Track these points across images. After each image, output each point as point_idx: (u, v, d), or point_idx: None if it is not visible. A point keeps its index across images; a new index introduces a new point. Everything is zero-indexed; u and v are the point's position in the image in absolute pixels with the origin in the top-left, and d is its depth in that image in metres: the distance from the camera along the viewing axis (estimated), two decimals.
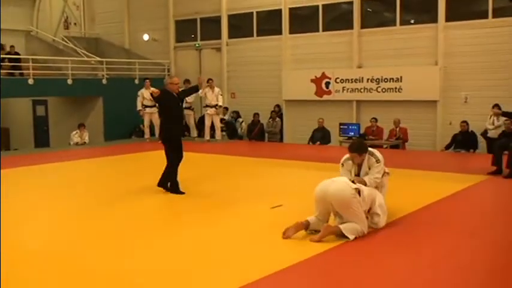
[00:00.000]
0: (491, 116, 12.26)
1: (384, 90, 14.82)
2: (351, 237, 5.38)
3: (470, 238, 5.66)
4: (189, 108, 15.83)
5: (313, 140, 14.97)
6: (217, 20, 18.05)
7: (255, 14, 17.30)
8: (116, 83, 17.78)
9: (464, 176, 9.19)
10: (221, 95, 15.48)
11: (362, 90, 15.17)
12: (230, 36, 18.00)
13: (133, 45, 20.37)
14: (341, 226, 5.43)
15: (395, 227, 5.96)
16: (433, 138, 14.26)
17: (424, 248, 5.26)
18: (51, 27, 19.74)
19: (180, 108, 8.36)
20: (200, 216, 6.68)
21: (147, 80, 15.42)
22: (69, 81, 16.73)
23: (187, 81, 15.36)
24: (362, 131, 14.33)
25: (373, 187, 5.94)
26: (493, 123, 12.29)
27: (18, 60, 17.34)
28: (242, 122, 17.13)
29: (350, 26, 15.40)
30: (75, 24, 21.60)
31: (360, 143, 6.25)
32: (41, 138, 19.12)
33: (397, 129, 13.97)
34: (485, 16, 13.45)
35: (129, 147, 14.06)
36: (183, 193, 7.87)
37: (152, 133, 15.53)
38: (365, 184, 5.83)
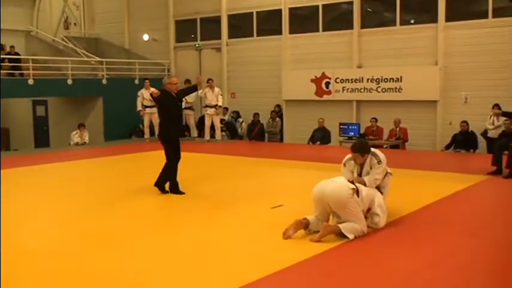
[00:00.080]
0: (491, 116, 12.26)
1: (383, 90, 14.81)
2: (351, 236, 5.38)
3: (470, 238, 5.66)
4: (189, 108, 15.85)
5: (313, 140, 14.97)
6: (217, 20, 18.05)
7: (255, 14, 17.30)
8: (116, 83, 17.77)
9: (464, 176, 9.19)
10: (221, 95, 15.48)
11: (362, 90, 15.17)
12: (230, 36, 18.00)
13: (133, 46, 20.36)
14: (340, 225, 5.43)
15: (395, 227, 5.96)
16: (433, 138, 14.26)
17: (424, 248, 5.26)
18: (51, 27, 19.74)
19: (179, 108, 8.36)
20: (200, 216, 6.68)
21: (147, 80, 15.43)
22: (69, 82, 16.73)
23: (188, 81, 15.39)
24: (362, 131, 14.32)
25: (373, 187, 5.94)
26: (493, 123, 12.30)
27: (18, 60, 17.33)
28: (242, 122, 17.13)
29: (350, 26, 15.40)
30: (75, 24, 21.60)
31: (362, 144, 6.23)
32: (41, 138, 19.11)
33: (397, 129, 13.97)
34: (485, 16, 13.45)
35: (129, 147, 14.06)
36: (183, 193, 7.87)
37: (152, 133, 15.52)
38: (364, 184, 5.83)
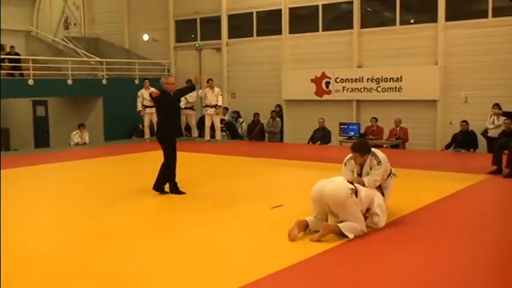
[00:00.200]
0: (491, 116, 12.26)
1: (383, 89, 14.81)
2: (351, 236, 5.38)
3: (471, 238, 5.65)
4: (190, 108, 15.86)
5: (313, 139, 14.97)
6: (217, 20, 18.05)
7: (255, 14, 17.30)
8: (116, 83, 17.77)
9: (465, 176, 9.19)
10: (221, 95, 15.47)
11: (362, 90, 15.17)
12: (230, 36, 18.00)
13: (133, 46, 20.37)
14: (340, 225, 5.43)
15: (395, 227, 5.95)
16: (433, 137, 14.25)
17: (424, 248, 5.26)
18: (51, 27, 19.75)
19: (177, 108, 8.35)
20: (200, 216, 6.68)
21: (147, 80, 15.43)
22: (69, 82, 16.73)
23: (189, 81, 15.35)
24: (362, 130, 14.32)
25: (373, 188, 5.94)
26: (493, 123, 12.28)
27: (18, 60, 17.34)
28: (242, 122, 17.13)
29: (350, 26, 15.40)
30: (75, 24, 21.60)
31: (362, 144, 6.23)
32: (41, 138, 19.12)
33: (398, 128, 13.97)
34: (485, 15, 13.44)
35: (129, 148, 14.07)
36: (183, 193, 7.87)
37: (152, 133, 15.50)
38: (364, 185, 5.83)
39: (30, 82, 15.93)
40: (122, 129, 17.37)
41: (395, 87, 14.62)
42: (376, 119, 14.29)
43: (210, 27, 18.46)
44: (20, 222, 6.53)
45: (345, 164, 6.23)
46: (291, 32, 16.58)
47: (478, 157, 11.79)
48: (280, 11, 16.63)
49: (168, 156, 7.91)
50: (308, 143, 15.08)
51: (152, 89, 7.94)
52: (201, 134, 16.05)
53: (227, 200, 7.54)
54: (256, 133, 16.23)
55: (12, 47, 17.76)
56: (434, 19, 14.07)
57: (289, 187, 8.65)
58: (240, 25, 17.93)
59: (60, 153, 13.60)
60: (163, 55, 19.44)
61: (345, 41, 15.52)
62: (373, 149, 6.12)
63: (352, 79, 15.33)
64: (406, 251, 5.21)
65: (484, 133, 12.78)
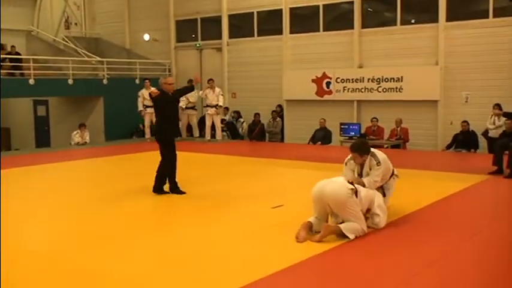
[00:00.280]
0: (492, 116, 12.24)
1: (384, 90, 14.80)
2: (351, 236, 5.37)
3: (471, 238, 5.65)
4: (192, 108, 15.87)
5: (314, 139, 14.96)
6: (217, 20, 18.04)
7: (255, 14, 17.29)
8: (117, 83, 17.78)
9: (465, 176, 9.19)
10: (222, 95, 15.47)
11: (363, 90, 15.16)
12: (231, 36, 17.99)
13: (134, 45, 20.37)
14: (341, 226, 5.43)
15: (395, 227, 5.95)
16: (434, 138, 14.24)
17: (424, 248, 5.25)
18: (52, 27, 19.75)
19: (175, 108, 8.35)
20: (200, 216, 6.68)
21: (147, 80, 15.45)
22: (70, 81, 16.74)
23: (190, 81, 15.33)
24: (363, 130, 14.32)
25: (373, 189, 5.93)
26: (494, 123, 12.27)
27: (19, 60, 17.34)
28: (243, 122, 17.13)
29: (351, 26, 15.39)
30: (75, 24, 21.60)
31: (361, 144, 6.25)
32: (42, 138, 19.13)
33: (398, 129, 13.96)
34: (486, 16, 13.43)
35: (130, 147, 14.07)
36: (183, 193, 7.87)
37: (153, 133, 15.52)
38: (364, 186, 5.83)
39: (31, 82, 15.94)
40: (122, 129, 17.38)
41: (396, 88, 14.61)
42: (376, 119, 14.29)
43: (211, 27, 18.46)
44: (20, 222, 6.53)
45: (346, 163, 6.25)
46: (291, 32, 16.57)
47: (478, 157, 11.78)
48: (281, 11, 16.62)
49: (165, 156, 7.91)
50: (308, 143, 15.07)
51: (153, 89, 7.95)
52: (202, 134, 16.05)
53: (227, 200, 7.54)
54: (257, 133, 16.22)
55: (13, 46, 17.77)
56: (435, 19, 14.06)
57: (290, 187, 8.64)
58: (241, 25, 17.93)
59: (60, 153, 13.61)
60: (164, 55, 19.45)
61: (346, 41, 15.51)
62: (372, 150, 6.12)
63: (352, 79, 15.32)
64: (406, 251, 5.21)
65: (485, 133, 12.77)
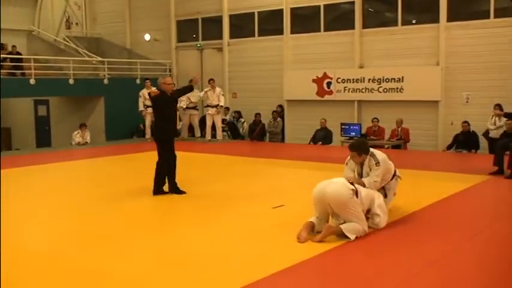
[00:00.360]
0: (492, 116, 12.23)
1: (385, 90, 14.79)
2: (352, 237, 5.37)
3: (471, 238, 5.65)
4: (194, 108, 15.87)
5: (315, 140, 14.96)
6: (218, 20, 18.04)
7: (256, 14, 17.29)
8: (118, 83, 17.79)
9: (466, 176, 9.18)
10: (223, 95, 15.48)
11: (363, 90, 15.16)
12: (231, 36, 17.99)
13: (135, 45, 20.38)
14: (342, 226, 5.43)
15: (396, 227, 5.95)
16: (435, 138, 14.23)
17: (424, 248, 5.25)
18: (53, 27, 19.78)
19: (173, 108, 8.34)
20: (200, 216, 6.68)
21: (148, 80, 15.46)
22: (71, 81, 16.75)
23: (191, 81, 15.35)
24: (363, 131, 14.31)
25: (374, 189, 5.93)
26: (495, 124, 12.26)
27: (19, 60, 17.36)
28: (244, 122, 17.13)
29: (351, 26, 15.39)
30: (76, 24, 21.62)
31: (360, 143, 6.27)
32: (43, 138, 19.14)
33: (399, 129, 13.96)
34: (487, 16, 13.42)
35: (131, 147, 14.07)
36: (184, 192, 7.86)
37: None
38: (364, 186, 5.82)
39: (32, 82, 15.95)
40: (123, 129, 17.39)
41: (397, 88, 14.61)
42: (377, 120, 14.28)
43: (212, 27, 18.46)
44: (20, 222, 6.53)
45: (347, 163, 6.27)
46: (292, 32, 16.57)
47: (479, 158, 11.77)
48: (281, 11, 16.62)
49: (163, 156, 7.91)
50: (309, 143, 15.07)
51: (153, 89, 7.96)
52: (203, 134, 16.06)
53: (228, 200, 7.54)
54: (258, 133, 16.22)
55: (14, 46, 17.78)
56: (436, 20, 14.05)
57: (290, 187, 8.64)
58: (242, 25, 17.93)
59: (61, 152, 13.62)
60: (165, 55, 19.45)
61: (347, 41, 15.51)
62: (372, 150, 6.12)
63: (353, 79, 15.31)
64: (406, 251, 5.21)
65: (486, 134, 12.76)
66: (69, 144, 15.68)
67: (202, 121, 16.18)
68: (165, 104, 7.93)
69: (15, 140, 19.43)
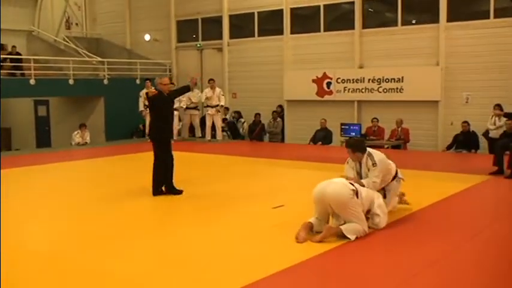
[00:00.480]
0: (492, 116, 12.23)
1: (385, 90, 14.80)
2: (352, 237, 5.37)
3: (472, 238, 5.65)
4: (195, 108, 15.86)
5: (315, 140, 14.96)
6: (218, 20, 18.05)
7: (256, 14, 17.30)
8: (118, 83, 17.80)
9: (466, 176, 9.18)
10: (223, 95, 15.48)
11: (363, 90, 15.16)
12: (231, 37, 17.99)
13: (135, 46, 20.39)
14: (342, 227, 5.43)
15: (396, 227, 5.95)
16: (435, 138, 14.24)
17: (425, 248, 5.25)
18: (53, 27, 19.78)
19: (170, 108, 8.34)
20: (200, 216, 6.68)
21: (148, 81, 15.43)
22: (71, 82, 16.76)
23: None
24: (363, 131, 14.31)
25: (374, 190, 5.93)
26: (495, 124, 12.25)
27: (19, 60, 17.36)
28: (244, 122, 17.14)
29: (351, 26, 15.39)
30: (76, 24, 21.63)
31: (356, 141, 6.35)
32: (43, 138, 19.14)
33: (399, 129, 13.96)
34: (487, 16, 13.42)
35: (130, 148, 14.06)
36: (180, 192, 7.85)
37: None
38: (363, 186, 5.83)
39: (32, 82, 15.96)
40: (123, 129, 17.39)
41: (397, 88, 14.61)
42: (377, 120, 14.28)
43: (212, 27, 18.47)
44: (20, 222, 6.53)
45: (347, 162, 6.30)
46: (292, 32, 16.57)
47: (479, 158, 11.78)
48: (281, 11, 16.62)
49: (158, 157, 7.90)
50: (309, 143, 15.07)
51: (152, 89, 7.95)
52: (203, 134, 16.06)
53: (228, 200, 7.54)
54: (257, 133, 16.22)
55: (13, 46, 17.79)
56: (435, 20, 14.05)
57: (290, 187, 8.64)
58: (242, 25, 17.94)
59: (61, 153, 13.62)
60: (165, 55, 19.46)
61: (347, 41, 15.51)
62: (370, 150, 6.12)
63: (353, 79, 15.32)
64: (406, 251, 5.21)
65: (485, 134, 12.76)
66: (69, 144, 15.69)
67: (202, 121, 16.19)
68: (162, 104, 7.93)
69: (15, 140, 19.43)
